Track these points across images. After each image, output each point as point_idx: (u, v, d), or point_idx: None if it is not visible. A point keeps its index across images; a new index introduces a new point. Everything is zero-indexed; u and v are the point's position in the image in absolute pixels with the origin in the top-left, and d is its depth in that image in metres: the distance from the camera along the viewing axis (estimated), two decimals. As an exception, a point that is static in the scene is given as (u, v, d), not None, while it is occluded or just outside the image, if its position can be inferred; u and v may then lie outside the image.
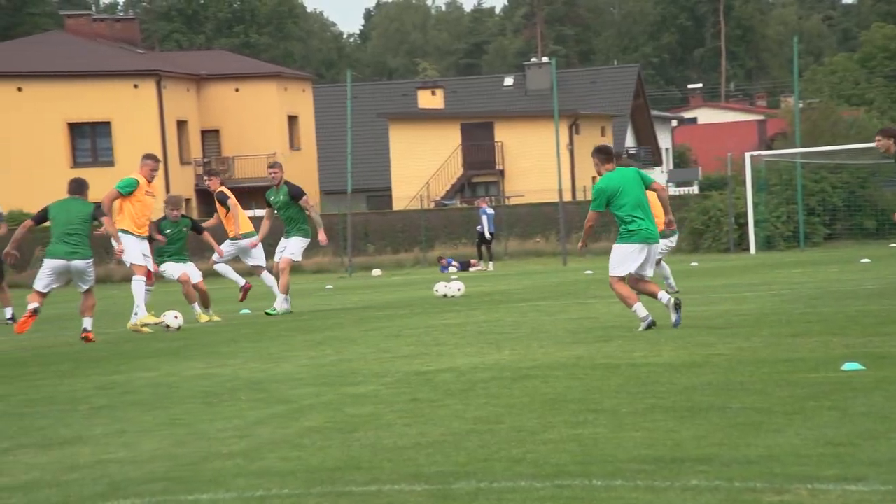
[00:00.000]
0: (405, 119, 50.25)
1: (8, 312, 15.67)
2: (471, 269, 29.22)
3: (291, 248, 13.62)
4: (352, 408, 6.30)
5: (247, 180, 47.27)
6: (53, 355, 10.07)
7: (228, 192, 14.62)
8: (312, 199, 55.04)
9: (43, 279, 11.52)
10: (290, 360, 8.66)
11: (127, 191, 12.59)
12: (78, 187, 11.74)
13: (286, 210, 13.64)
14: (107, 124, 43.93)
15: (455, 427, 5.58)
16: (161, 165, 14.17)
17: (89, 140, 44.13)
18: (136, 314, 12.19)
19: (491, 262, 29.95)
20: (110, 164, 43.56)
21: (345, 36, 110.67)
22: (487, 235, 29.98)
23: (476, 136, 49.24)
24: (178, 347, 10.25)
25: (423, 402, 6.38)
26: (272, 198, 13.74)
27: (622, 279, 9.49)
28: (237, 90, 47.40)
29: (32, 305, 11.47)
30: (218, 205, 14.59)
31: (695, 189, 52.01)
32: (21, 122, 42.97)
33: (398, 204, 47.40)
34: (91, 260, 11.51)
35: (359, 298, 17.97)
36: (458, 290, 15.92)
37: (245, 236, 14.44)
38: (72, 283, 11.70)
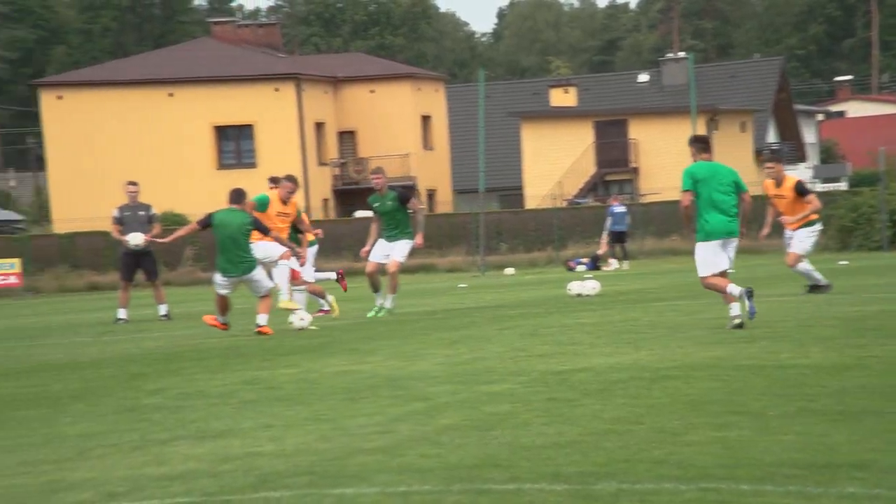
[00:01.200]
0: (537, 117, 50.07)
1: (163, 310, 16.25)
2: (603, 269, 28.89)
3: (399, 251, 13.59)
4: (488, 406, 6.28)
5: (383, 168, 47.81)
6: (204, 351, 10.39)
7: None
8: (443, 197, 55.22)
9: (223, 287, 12.01)
10: (426, 357, 8.70)
11: (261, 209, 12.96)
12: (237, 197, 12.03)
13: (393, 215, 13.59)
14: (249, 127, 45.24)
15: (593, 427, 5.49)
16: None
17: (233, 143, 45.54)
18: (282, 295, 12.53)
19: (626, 261, 29.57)
20: (252, 165, 44.85)
21: (477, 35, 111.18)
22: (604, 235, 29.71)
23: (609, 133, 48.69)
24: (319, 344, 10.44)
25: (560, 401, 6.30)
26: (377, 204, 13.60)
27: (713, 276, 9.63)
28: (372, 91, 48.12)
29: (222, 319, 12.07)
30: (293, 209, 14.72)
31: (843, 185, 50.23)
32: (171, 126, 44.66)
33: (530, 203, 47.28)
34: (256, 269, 11.84)
35: (492, 297, 17.97)
36: (593, 288, 15.73)
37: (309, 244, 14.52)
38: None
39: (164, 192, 41.66)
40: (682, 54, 58.20)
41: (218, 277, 12.05)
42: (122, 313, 15.98)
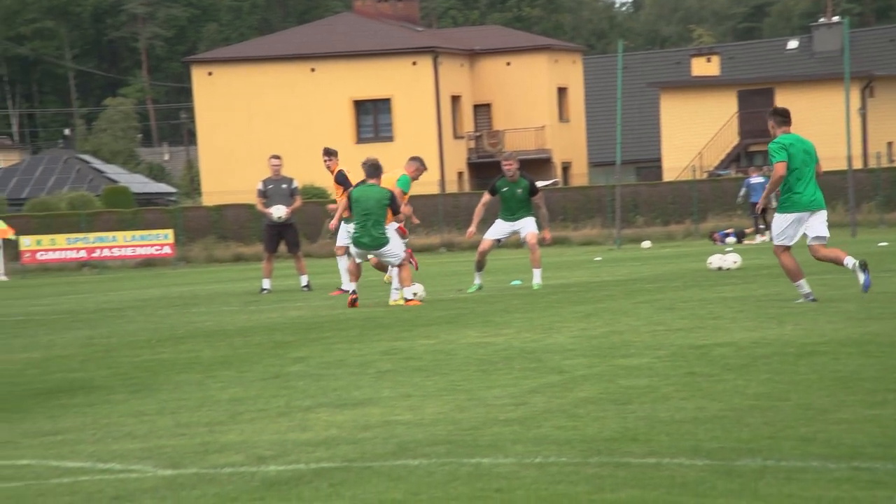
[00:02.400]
0: (677, 88, 49.00)
1: (304, 280, 16.70)
2: (744, 242, 28.24)
3: (531, 224, 13.49)
4: (625, 380, 6.24)
5: (516, 153, 47.80)
6: (344, 321, 10.64)
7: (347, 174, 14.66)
8: (579, 170, 54.78)
9: (356, 255, 12.27)
10: (561, 330, 8.69)
11: (407, 190, 13.10)
12: (374, 171, 12.15)
13: (519, 202, 13.46)
14: (387, 101, 45.78)
15: (736, 403, 5.39)
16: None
17: (371, 116, 46.19)
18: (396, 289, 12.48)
19: (767, 234, 28.82)
20: (390, 139, 45.44)
21: (617, 5, 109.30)
22: (739, 200, 29.18)
23: (754, 103, 47.24)
24: (455, 316, 10.55)
25: (700, 376, 6.21)
26: (505, 189, 13.43)
27: (787, 249, 9.73)
28: (508, 64, 47.98)
29: (351, 287, 12.24)
30: (337, 186, 14.57)
31: None
32: (312, 100, 45.58)
33: (668, 175, 46.40)
34: (389, 243, 11.95)
35: (628, 270, 17.77)
36: (734, 262, 15.37)
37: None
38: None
39: (305, 165, 42.63)
40: (835, 19, 55.88)
41: (352, 247, 12.27)
42: (266, 283, 16.48)
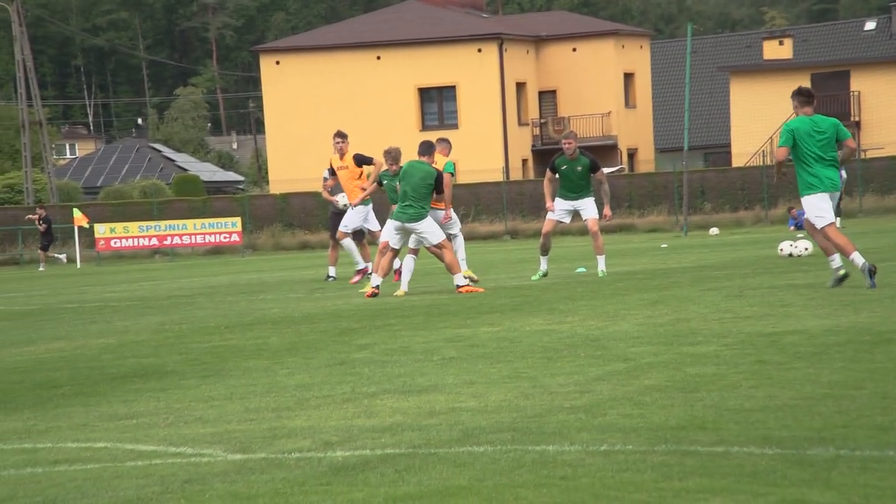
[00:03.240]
0: (748, 72, 48.21)
1: (369, 268, 16.79)
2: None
3: (593, 209, 13.30)
4: (692, 367, 6.16)
5: (582, 140, 47.47)
6: (408, 308, 10.68)
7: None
8: (645, 156, 54.23)
9: (391, 236, 12.29)
10: (626, 318, 8.62)
11: (454, 172, 13.00)
12: (425, 149, 12.27)
13: (580, 181, 13.26)
14: (452, 88, 45.77)
15: (807, 391, 5.29)
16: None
17: (436, 104, 46.22)
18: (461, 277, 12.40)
19: (837, 219, 28.25)
20: (455, 126, 45.42)
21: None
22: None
23: (829, 86, 46.30)
24: (519, 303, 10.52)
25: (769, 364, 6.11)
26: (564, 167, 13.26)
27: (831, 225, 9.83)
28: (574, 50, 47.62)
29: (377, 282, 12.24)
30: (354, 165, 14.51)
31: None
32: (377, 88, 45.76)
33: (738, 161, 45.72)
34: (425, 220, 11.94)
35: (696, 258, 17.55)
36: (806, 249, 15.10)
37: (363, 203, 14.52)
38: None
39: (371, 153, 42.80)
40: (917, -3, 54.46)
41: (390, 223, 12.33)
42: (332, 271, 16.60)
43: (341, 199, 16.54)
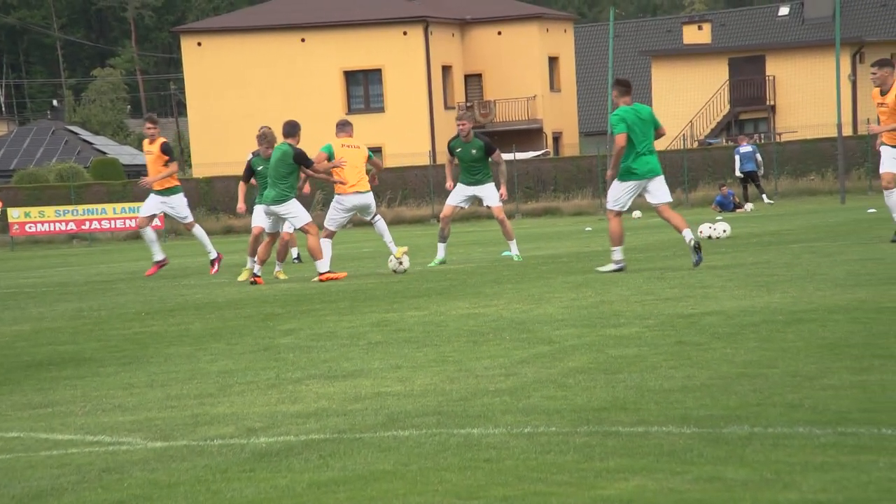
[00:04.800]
0: (669, 56, 48.88)
1: (294, 252, 16.74)
2: (737, 211, 28.37)
3: (494, 195, 13.27)
4: (615, 349, 6.26)
5: (507, 124, 47.77)
6: (334, 293, 10.64)
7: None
8: (570, 140, 54.63)
9: (262, 221, 12.48)
10: (551, 301, 8.71)
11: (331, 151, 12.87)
12: (288, 130, 12.26)
13: (475, 163, 13.25)
14: (378, 71, 45.57)
15: (724, 371, 5.42)
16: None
17: (362, 87, 45.96)
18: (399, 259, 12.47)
19: (761, 197, 28.99)
20: (381, 110, 45.27)
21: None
22: (738, 174, 29.36)
23: (745, 70, 47.18)
24: (445, 287, 10.56)
25: (688, 344, 6.24)
26: (459, 150, 13.24)
27: (618, 215, 10.60)
28: (499, 33, 47.77)
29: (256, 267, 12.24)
30: (161, 155, 14.45)
31: None
32: (302, 71, 45.34)
33: (659, 144, 46.28)
34: (288, 203, 11.94)
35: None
36: (724, 231, 15.41)
37: (171, 192, 14.47)
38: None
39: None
40: (827, -16, 55.65)
41: (256, 209, 12.64)
42: (294, 252, 16.57)
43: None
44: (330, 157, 12.80)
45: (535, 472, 3.82)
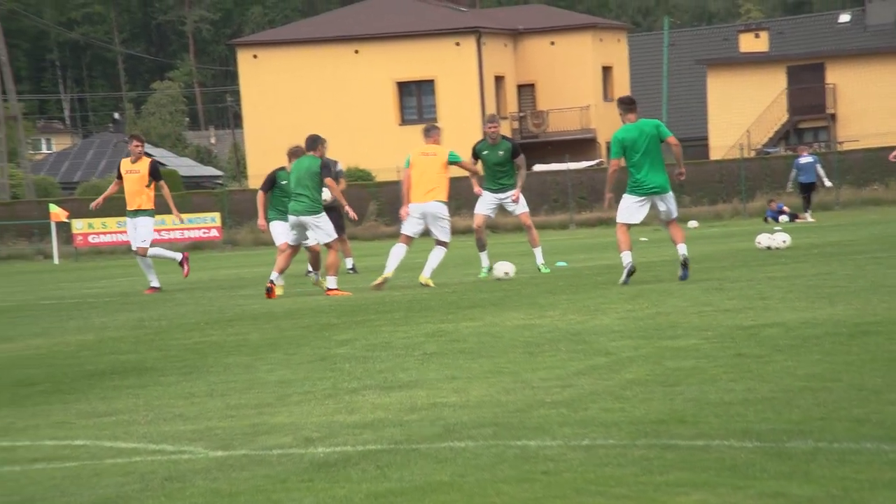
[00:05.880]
0: (725, 65, 48.41)
1: (349, 263, 16.80)
2: (797, 221, 27.96)
3: (521, 203, 13.08)
4: (672, 361, 6.19)
5: (560, 133, 47.62)
6: (389, 303, 10.68)
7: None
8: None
9: (287, 236, 12.46)
10: (607, 312, 8.65)
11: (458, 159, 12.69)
12: (310, 144, 12.16)
13: (502, 166, 13.08)
14: (431, 82, 45.72)
15: (786, 384, 5.34)
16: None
17: (415, 98, 46.15)
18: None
19: (808, 213, 28.59)
20: (433, 120, 45.30)
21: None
22: (788, 187, 29.01)
23: (804, 78, 46.57)
24: (500, 298, 10.54)
25: (748, 357, 6.15)
26: (485, 152, 13.09)
27: (627, 226, 10.83)
28: (552, 43, 47.68)
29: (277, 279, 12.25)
30: (147, 176, 14.13)
31: None
32: (356, 82, 45.65)
33: (715, 154, 45.92)
34: (320, 214, 11.96)
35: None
36: (784, 241, 15.19)
37: (147, 213, 14.18)
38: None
39: (349, 148, 42.72)
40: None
41: (277, 225, 12.80)
42: (349, 263, 16.64)
43: (323, 194, 16.50)
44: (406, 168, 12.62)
45: (593, 485, 3.79)
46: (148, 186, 14.31)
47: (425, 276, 12.38)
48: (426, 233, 12.56)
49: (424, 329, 8.34)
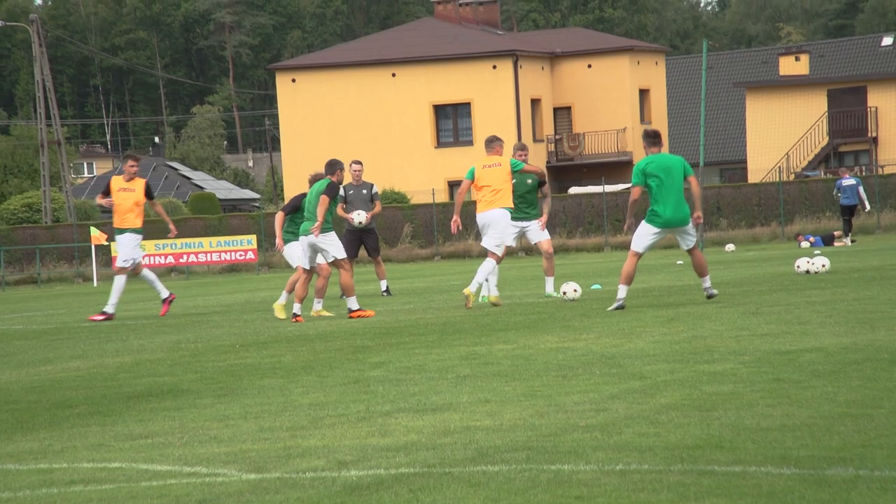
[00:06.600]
0: (764, 87, 48.14)
1: (383, 285, 16.83)
2: (834, 244, 27.63)
3: (540, 231, 12.88)
4: (709, 386, 6.12)
5: (596, 156, 47.54)
6: (422, 326, 10.67)
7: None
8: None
9: (301, 259, 12.53)
10: (642, 335, 8.58)
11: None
12: (328, 168, 12.28)
13: (529, 193, 12.99)
14: (467, 105, 45.86)
15: (825, 410, 5.25)
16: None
17: (451, 121, 46.31)
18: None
19: (848, 237, 28.22)
20: (469, 143, 45.48)
21: (702, 4, 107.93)
22: (835, 194, 28.66)
23: (845, 102, 46.19)
24: (534, 321, 10.49)
25: (787, 382, 6.07)
26: (514, 181, 12.77)
27: (636, 255, 10.90)
28: (589, 66, 47.68)
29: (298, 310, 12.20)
30: (144, 196, 14.09)
31: None
32: (393, 105, 45.90)
33: (754, 177, 45.60)
34: (328, 233, 12.13)
35: (712, 274, 17.40)
36: (823, 265, 15.01)
37: (136, 231, 14.03)
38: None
39: (386, 170, 42.92)
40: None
41: (291, 248, 13.11)
42: (383, 285, 16.70)
43: (356, 217, 16.56)
44: (471, 180, 12.48)
45: (627, 511, 3.74)
46: (139, 205, 14.28)
47: (493, 294, 12.48)
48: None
49: (458, 351, 8.31)
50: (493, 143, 12.65)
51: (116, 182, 14.49)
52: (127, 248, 14.28)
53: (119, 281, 14.37)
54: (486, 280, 12.53)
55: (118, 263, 14.45)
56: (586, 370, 7.01)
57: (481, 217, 12.35)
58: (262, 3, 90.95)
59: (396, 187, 41.22)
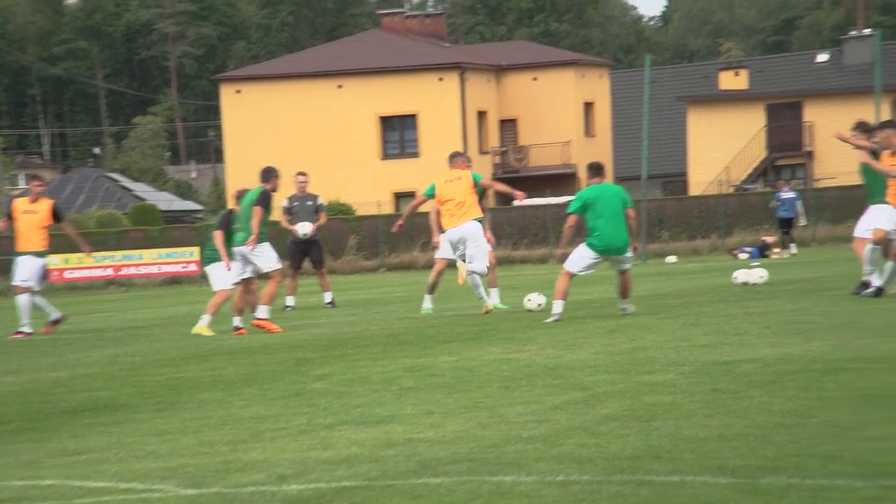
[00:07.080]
0: (705, 102, 48.87)
1: (328, 297, 16.75)
2: (771, 256, 28.09)
3: (485, 246, 12.55)
4: (649, 396, 6.19)
5: (541, 168, 47.86)
6: (366, 338, 10.64)
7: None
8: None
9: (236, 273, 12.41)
10: (583, 346, 8.64)
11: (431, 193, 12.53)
12: (263, 176, 12.32)
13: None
14: (413, 117, 45.93)
15: (761, 420, 5.34)
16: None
17: (398, 132, 46.33)
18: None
19: (792, 245, 28.70)
20: (415, 155, 45.54)
21: (645, 19, 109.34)
22: (772, 204, 29.23)
23: (782, 116, 47.07)
24: (478, 332, 10.52)
25: (724, 392, 6.15)
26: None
27: (570, 275, 11.19)
28: (535, 79, 48.04)
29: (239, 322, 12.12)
30: (49, 217, 13.79)
31: None
32: (339, 117, 45.80)
33: (695, 189, 46.24)
34: (259, 244, 12.02)
35: (653, 286, 17.67)
36: (760, 277, 15.26)
37: (36, 255, 13.76)
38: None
39: (332, 182, 42.76)
40: (867, 31, 55.49)
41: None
42: (289, 301, 16.52)
43: (301, 229, 16.48)
44: (431, 197, 12.52)
45: (567, 522, 3.76)
46: (45, 228, 13.91)
47: (490, 303, 12.78)
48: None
49: (402, 363, 8.30)
50: (455, 158, 12.74)
51: (20, 204, 14.11)
52: (25, 270, 13.91)
53: (22, 299, 13.97)
54: (478, 289, 12.76)
55: (14, 282, 14.09)
56: (529, 381, 7.04)
57: (456, 231, 12.28)
58: (207, 13, 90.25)
59: (342, 199, 41.10)
